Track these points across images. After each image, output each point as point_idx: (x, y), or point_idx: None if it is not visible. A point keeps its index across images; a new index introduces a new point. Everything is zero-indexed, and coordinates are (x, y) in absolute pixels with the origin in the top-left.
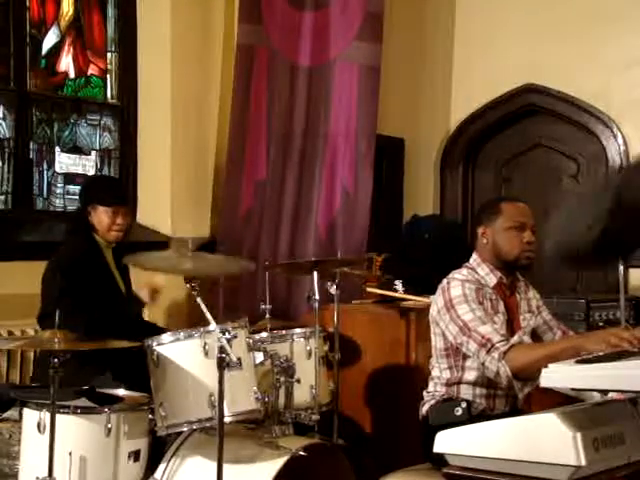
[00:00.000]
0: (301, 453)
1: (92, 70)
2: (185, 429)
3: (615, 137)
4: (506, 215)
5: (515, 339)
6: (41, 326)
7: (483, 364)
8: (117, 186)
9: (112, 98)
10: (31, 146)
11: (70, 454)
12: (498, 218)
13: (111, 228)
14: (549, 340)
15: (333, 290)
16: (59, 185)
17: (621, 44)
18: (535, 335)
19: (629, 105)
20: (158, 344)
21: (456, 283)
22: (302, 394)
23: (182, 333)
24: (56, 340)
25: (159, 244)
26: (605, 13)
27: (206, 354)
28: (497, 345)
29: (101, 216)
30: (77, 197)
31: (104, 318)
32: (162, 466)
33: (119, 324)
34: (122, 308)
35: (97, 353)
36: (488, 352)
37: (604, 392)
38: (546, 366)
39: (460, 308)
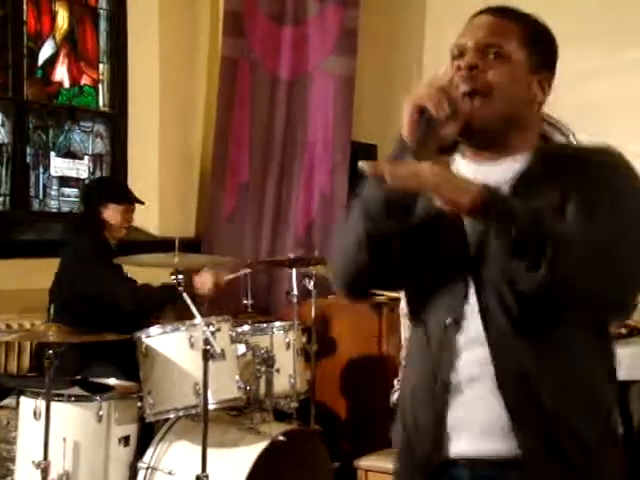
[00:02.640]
0: (280, 438)
1: (85, 80)
2: (172, 416)
3: None
4: None
5: None
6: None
7: None
8: (127, 187)
9: (104, 106)
10: (28, 151)
11: (64, 439)
12: None
13: (122, 225)
14: None
15: (311, 286)
16: (54, 187)
17: (574, 57)
18: None
19: (582, 115)
20: (147, 336)
21: None
22: (281, 383)
23: (169, 326)
24: (50, 333)
25: (147, 243)
26: (560, 26)
27: (192, 346)
28: None
29: (114, 214)
30: (73, 199)
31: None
32: (150, 450)
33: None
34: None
35: (95, 345)
36: None
37: None
38: None
39: None
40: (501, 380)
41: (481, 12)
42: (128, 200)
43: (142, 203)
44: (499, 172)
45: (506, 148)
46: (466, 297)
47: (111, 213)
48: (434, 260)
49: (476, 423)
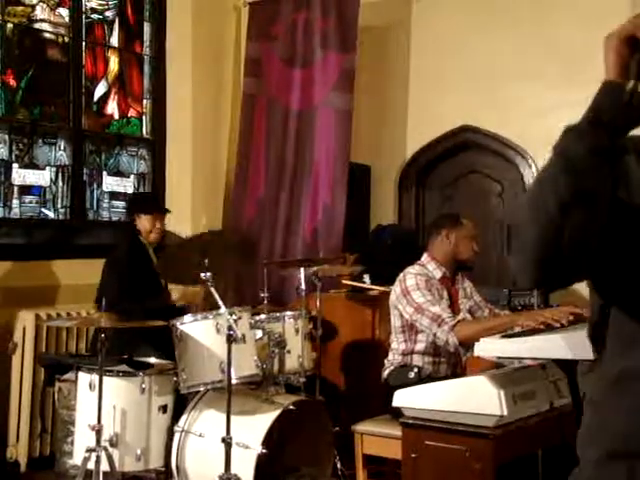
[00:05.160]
0: (291, 407)
1: (131, 113)
2: (202, 389)
3: (530, 167)
4: (467, 228)
5: (461, 316)
6: (98, 307)
7: (435, 335)
8: (155, 199)
9: (146, 134)
10: (84, 171)
11: (114, 407)
12: (462, 229)
13: (152, 231)
14: (480, 316)
15: (316, 282)
16: (105, 201)
17: (537, 95)
18: (469, 313)
19: (543, 143)
20: (181, 323)
21: (410, 276)
22: (291, 362)
23: (199, 315)
24: (103, 320)
25: None
26: (525, 70)
27: (218, 331)
28: (447, 320)
29: (144, 222)
30: (120, 210)
31: (147, 303)
32: (184, 417)
33: (158, 307)
34: (160, 294)
35: (138, 330)
36: (439, 326)
37: (521, 359)
38: (491, 336)
39: (414, 294)
40: None
41: None
42: (154, 210)
43: (167, 212)
44: None
45: None
46: None
47: (142, 222)
48: None
49: None
